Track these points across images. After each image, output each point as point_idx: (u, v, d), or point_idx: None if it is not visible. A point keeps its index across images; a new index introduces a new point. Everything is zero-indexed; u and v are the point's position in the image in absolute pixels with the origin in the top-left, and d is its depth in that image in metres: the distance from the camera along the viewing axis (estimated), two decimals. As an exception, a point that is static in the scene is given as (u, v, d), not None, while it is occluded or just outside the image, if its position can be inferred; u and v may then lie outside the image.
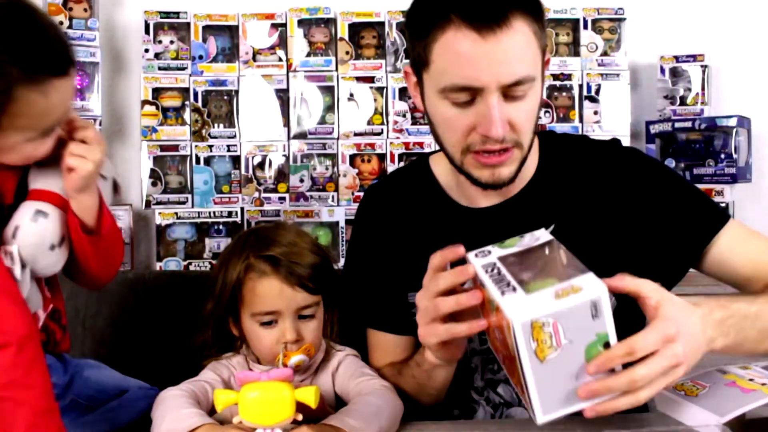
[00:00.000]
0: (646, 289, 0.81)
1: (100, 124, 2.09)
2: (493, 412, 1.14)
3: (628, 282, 0.80)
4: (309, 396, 0.85)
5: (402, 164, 2.14)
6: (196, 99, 2.15)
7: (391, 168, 2.15)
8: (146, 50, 2.14)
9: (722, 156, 2.09)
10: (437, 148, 1.12)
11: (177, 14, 2.16)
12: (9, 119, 0.90)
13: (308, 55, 2.19)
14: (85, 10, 2.08)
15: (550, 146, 1.15)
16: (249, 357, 1.14)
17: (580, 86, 2.20)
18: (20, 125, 0.92)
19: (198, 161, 2.14)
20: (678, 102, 2.23)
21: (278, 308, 1.08)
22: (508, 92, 0.97)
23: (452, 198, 1.16)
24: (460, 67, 0.96)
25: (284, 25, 2.19)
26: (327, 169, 2.18)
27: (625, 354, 0.75)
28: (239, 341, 1.15)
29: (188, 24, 2.17)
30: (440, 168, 1.19)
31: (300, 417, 0.87)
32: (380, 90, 2.18)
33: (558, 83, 2.20)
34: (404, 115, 2.18)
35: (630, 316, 0.91)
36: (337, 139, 2.17)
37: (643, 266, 1.03)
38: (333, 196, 2.17)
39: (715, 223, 1.08)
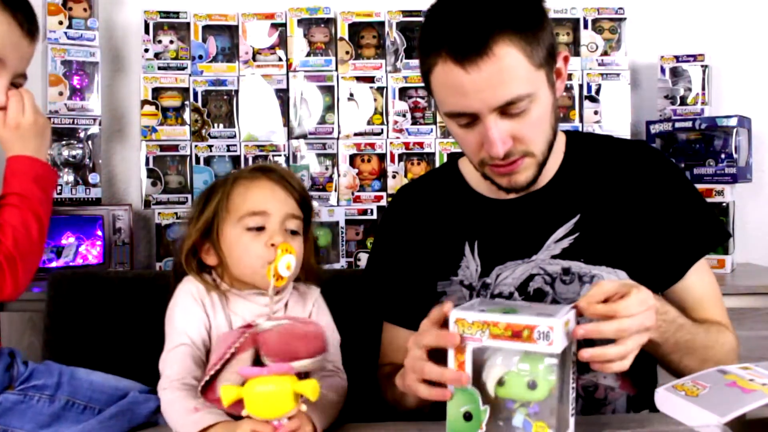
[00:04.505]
0: (611, 287, 0.89)
1: (99, 124, 2.09)
2: None
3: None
4: (309, 389, 0.86)
5: (402, 164, 2.16)
6: (195, 99, 2.15)
7: (391, 168, 2.16)
8: (146, 50, 2.14)
9: (722, 156, 2.09)
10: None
11: (177, 14, 2.16)
12: None
13: (308, 54, 2.19)
14: (85, 9, 2.08)
15: (575, 143, 1.19)
16: (223, 283, 1.11)
17: (581, 86, 2.19)
18: None
19: (198, 161, 2.14)
20: (678, 102, 2.23)
21: (268, 209, 1.07)
22: (506, 110, 1.00)
23: (479, 192, 1.19)
24: (451, 96, 1.01)
25: (284, 24, 2.19)
26: (327, 169, 2.18)
27: (612, 310, 0.85)
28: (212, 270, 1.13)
29: (188, 24, 2.17)
30: (467, 167, 1.22)
31: (304, 408, 0.88)
32: (380, 90, 2.18)
33: (558, 83, 2.20)
34: (404, 115, 2.18)
35: None
36: (337, 139, 2.17)
37: (650, 264, 1.10)
38: (333, 196, 2.17)
39: (709, 243, 1.15)
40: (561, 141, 1.18)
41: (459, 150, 1.16)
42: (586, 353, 0.82)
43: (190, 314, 1.07)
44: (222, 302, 1.09)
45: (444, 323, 0.88)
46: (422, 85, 2.13)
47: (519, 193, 1.12)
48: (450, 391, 0.85)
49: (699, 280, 1.13)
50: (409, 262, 1.20)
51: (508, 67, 0.97)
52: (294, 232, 1.10)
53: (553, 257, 1.11)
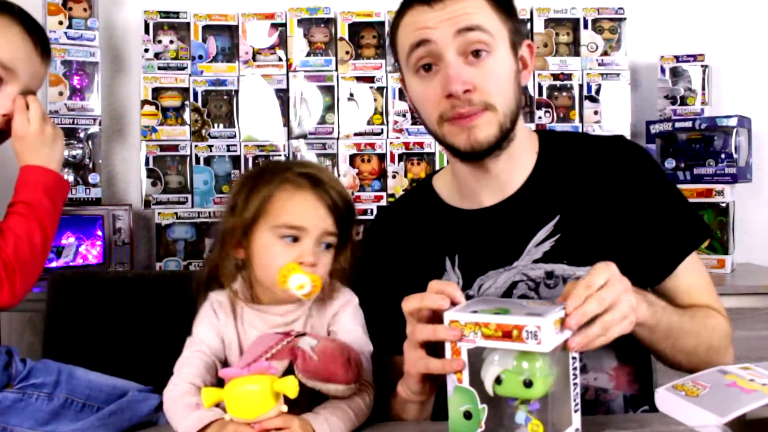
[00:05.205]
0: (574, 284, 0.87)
1: (99, 124, 2.09)
2: None
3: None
4: (288, 387, 0.86)
5: (402, 164, 2.16)
6: (195, 99, 2.15)
7: (391, 168, 2.16)
8: (146, 50, 2.14)
9: (722, 156, 2.09)
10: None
11: (177, 14, 2.16)
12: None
13: (308, 54, 2.19)
14: (85, 9, 2.08)
15: (549, 142, 1.17)
16: (245, 283, 1.10)
17: (581, 86, 2.20)
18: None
19: (198, 161, 2.14)
20: (678, 102, 2.23)
21: (306, 225, 1.03)
22: (466, 49, 1.02)
23: (454, 206, 1.17)
24: (413, 33, 1.05)
25: (284, 24, 2.19)
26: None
27: (585, 287, 0.83)
28: (238, 266, 1.10)
29: (188, 24, 2.17)
30: (441, 182, 1.21)
31: (285, 408, 0.88)
32: (380, 90, 2.18)
33: (558, 83, 2.20)
34: (404, 115, 2.18)
35: None
36: (337, 139, 2.17)
37: (636, 263, 1.07)
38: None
39: (692, 242, 1.12)
40: (534, 141, 1.16)
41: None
42: (573, 342, 0.82)
43: (210, 324, 1.08)
44: (236, 315, 1.08)
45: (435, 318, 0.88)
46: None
47: (477, 161, 1.08)
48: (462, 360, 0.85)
49: (689, 274, 1.12)
50: (390, 292, 1.11)
51: (473, 5, 1.02)
52: (329, 245, 1.07)
53: (535, 262, 1.08)
